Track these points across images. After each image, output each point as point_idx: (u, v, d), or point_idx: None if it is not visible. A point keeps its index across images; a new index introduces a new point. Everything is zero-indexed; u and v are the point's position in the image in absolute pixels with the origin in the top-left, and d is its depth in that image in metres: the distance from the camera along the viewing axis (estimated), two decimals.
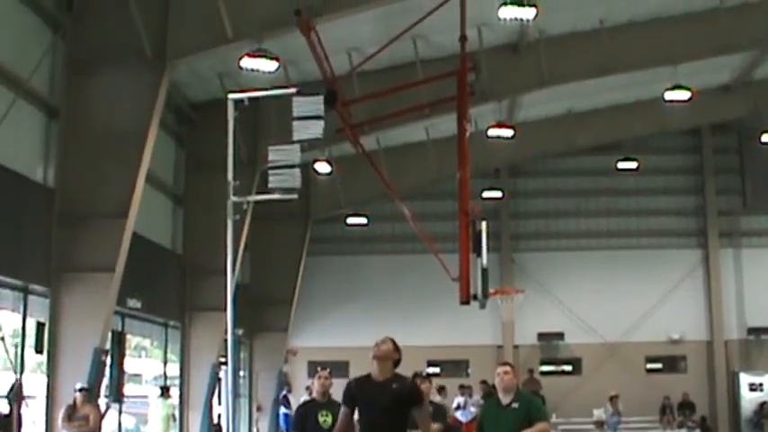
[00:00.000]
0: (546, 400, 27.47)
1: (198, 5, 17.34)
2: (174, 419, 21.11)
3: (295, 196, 12.22)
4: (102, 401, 16.85)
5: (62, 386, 15.85)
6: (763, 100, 29.43)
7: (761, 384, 31.63)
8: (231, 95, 12.35)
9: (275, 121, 20.40)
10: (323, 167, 26.50)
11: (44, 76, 16.49)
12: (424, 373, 11.92)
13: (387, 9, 19.07)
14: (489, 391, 21.94)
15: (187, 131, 23.79)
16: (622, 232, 33.22)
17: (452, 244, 19.82)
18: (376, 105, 20.96)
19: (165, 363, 23.40)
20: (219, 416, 24.37)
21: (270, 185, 11.99)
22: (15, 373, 15.20)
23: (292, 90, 12.52)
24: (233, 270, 12.22)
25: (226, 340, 22.19)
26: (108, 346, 17.11)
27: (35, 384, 16.21)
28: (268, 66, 18.16)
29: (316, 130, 11.93)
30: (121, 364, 18.48)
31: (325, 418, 9.69)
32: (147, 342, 23.52)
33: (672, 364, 32.68)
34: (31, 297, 16.22)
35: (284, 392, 27.37)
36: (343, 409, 7.58)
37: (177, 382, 23.39)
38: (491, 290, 18.25)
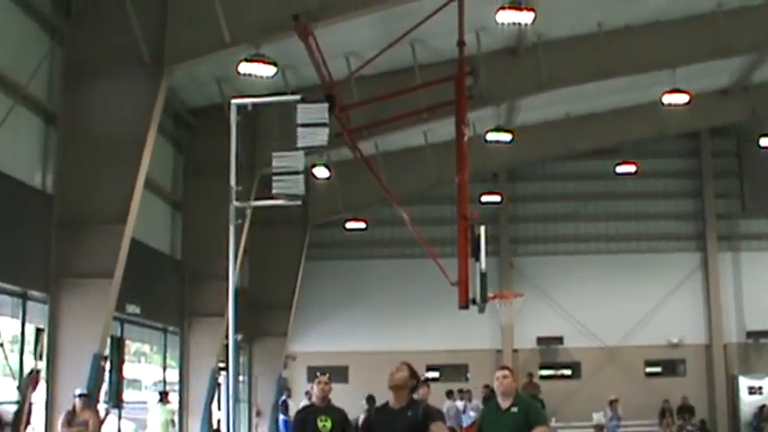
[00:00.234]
0: (545, 404, 27.45)
1: (196, 10, 17.34)
2: (173, 425, 21.08)
3: (299, 203, 12.24)
4: (102, 407, 16.83)
5: (61, 392, 15.82)
6: (762, 103, 29.47)
7: (760, 388, 31.62)
8: (234, 100, 12.34)
9: (276, 127, 20.41)
10: (322, 172, 26.51)
11: (42, 82, 16.49)
12: (422, 378, 11.91)
13: (385, 14, 19.07)
14: (489, 395, 21.92)
15: (186, 137, 23.79)
16: (621, 236, 33.23)
17: (451, 248, 19.87)
18: (374, 110, 20.98)
19: (165, 368, 23.38)
20: (219, 421, 24.35)
21: (274, 191, 11.97)
22: (14, 379, 15.20)
23: (297, 97, 12.50)
24: (234, 275, 12.20)
25: (225, 345, 22.29)
26: (107, 351, 17.09)
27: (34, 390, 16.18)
28: (266, 71, 18.18)
29: (321, 137, 11.92)
30: (121, 369, 18.50)
31: (324, 423, 9.69)
32: (146, 347, 23.50)
33: (671, 367, 32.69)
34: (29, 303, 16.18)
35: (283, 398, 27.34)
36: None
37: (176, 387, 23.38)
38: (490, 294, 18.24)
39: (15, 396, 14.59)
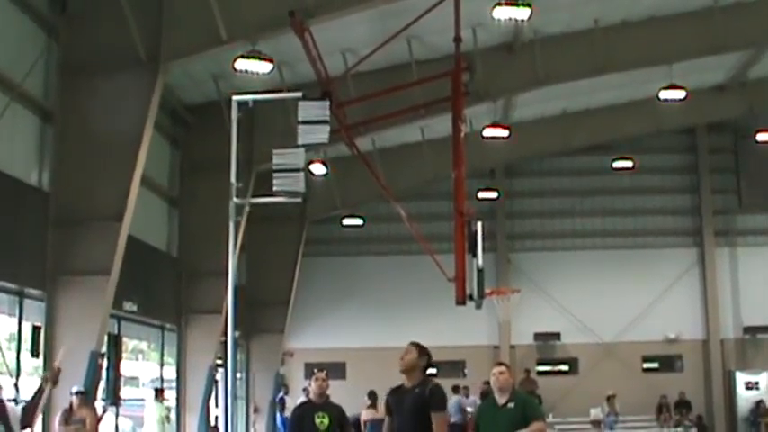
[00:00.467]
0: (543, 399, 27.55)
1: (191, 8, 17.31)
2: (169, 421, 21.07)
3: (299, 200, 12.25)
4: (99, 404, 16.83)
5: (58, 390, 15.79)
6: (758, 99, 29.50)
7: (757, 383, 31.64)
8: (236, 97, 12.33)
9: (274, 123, 20.39)
10: (318, 169, 26.48)
11: (38, 80, 16.48)
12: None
13: (381, 10, 19.05)
14: (487, 391, 21.96)
15: (182, 134, 23.76)
16: (618, 232, 33.24)
17: (448, 244, 19.87)
18: (371, 106, 20.98)
19: (162, 365, 23.38)
20: (216, 418, 24.36)
21: (275, 189, 11.98)
22: (11, 377, 15.20)
23: (298, 94, 12.51)
24: (234, 271, 12.20)
25: (222, 342, 22.32)
26: (104, 349, 17.08)
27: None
28: (262, 67, 18.16)
29: (322, 134, 11.93)
30: (118, 367, 18.47)
31: (321, 420, 9.68)
32: (143, 345, 23.50)
33: (668, 363, 32.70)
34: (26, 301, 16.18)
35: (281, 395, 27.34)
36: (386, 419, 8.04)
37: (174, 384, 23.38)
38: (487, 290, 18.30)
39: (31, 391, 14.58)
